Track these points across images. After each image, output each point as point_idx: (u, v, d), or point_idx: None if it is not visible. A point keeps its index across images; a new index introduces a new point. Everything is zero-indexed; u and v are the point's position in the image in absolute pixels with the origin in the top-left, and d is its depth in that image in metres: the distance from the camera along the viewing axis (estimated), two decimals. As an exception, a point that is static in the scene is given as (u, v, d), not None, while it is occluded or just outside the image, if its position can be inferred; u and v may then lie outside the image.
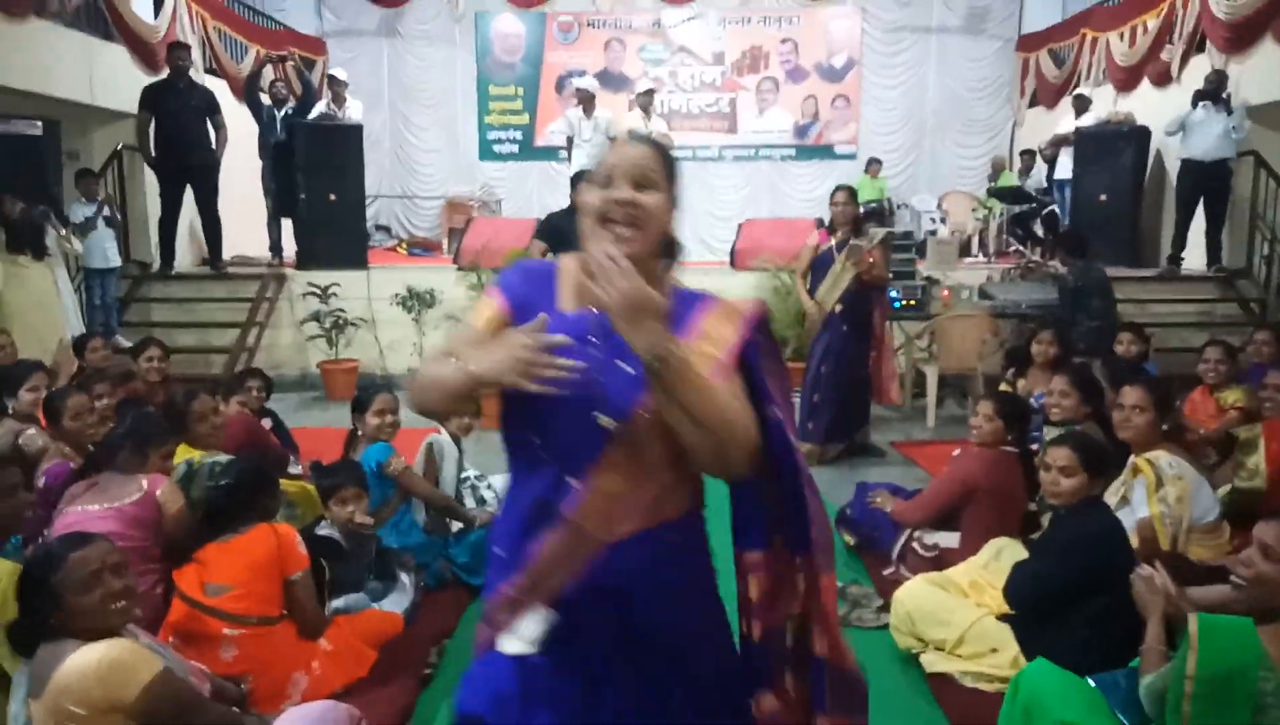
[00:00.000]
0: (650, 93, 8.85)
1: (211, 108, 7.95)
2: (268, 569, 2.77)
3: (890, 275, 5.95)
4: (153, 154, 7.85)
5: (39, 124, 6.88)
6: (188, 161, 7.84)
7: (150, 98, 7.77)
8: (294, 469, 4.69)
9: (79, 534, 2.25)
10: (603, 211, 1.44)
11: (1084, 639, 2.70)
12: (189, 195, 8.06)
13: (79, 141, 8.33)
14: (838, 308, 5.51)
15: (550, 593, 1.44)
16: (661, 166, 1.48)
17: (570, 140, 8.45)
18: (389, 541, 3.67)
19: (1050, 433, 3.88)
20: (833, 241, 5.57)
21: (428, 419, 3.57)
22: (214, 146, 7.96)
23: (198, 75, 8.65)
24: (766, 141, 12.66)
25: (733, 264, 8.60)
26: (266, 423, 4.86)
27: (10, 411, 4.00)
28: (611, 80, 12.39)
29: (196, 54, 8.89)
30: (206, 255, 8.47)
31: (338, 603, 3.21)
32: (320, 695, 2.73)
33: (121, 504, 2.97)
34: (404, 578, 3.47)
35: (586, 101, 8.38)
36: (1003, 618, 3.02)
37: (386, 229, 12.59)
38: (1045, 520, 3.45)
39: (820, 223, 5.70)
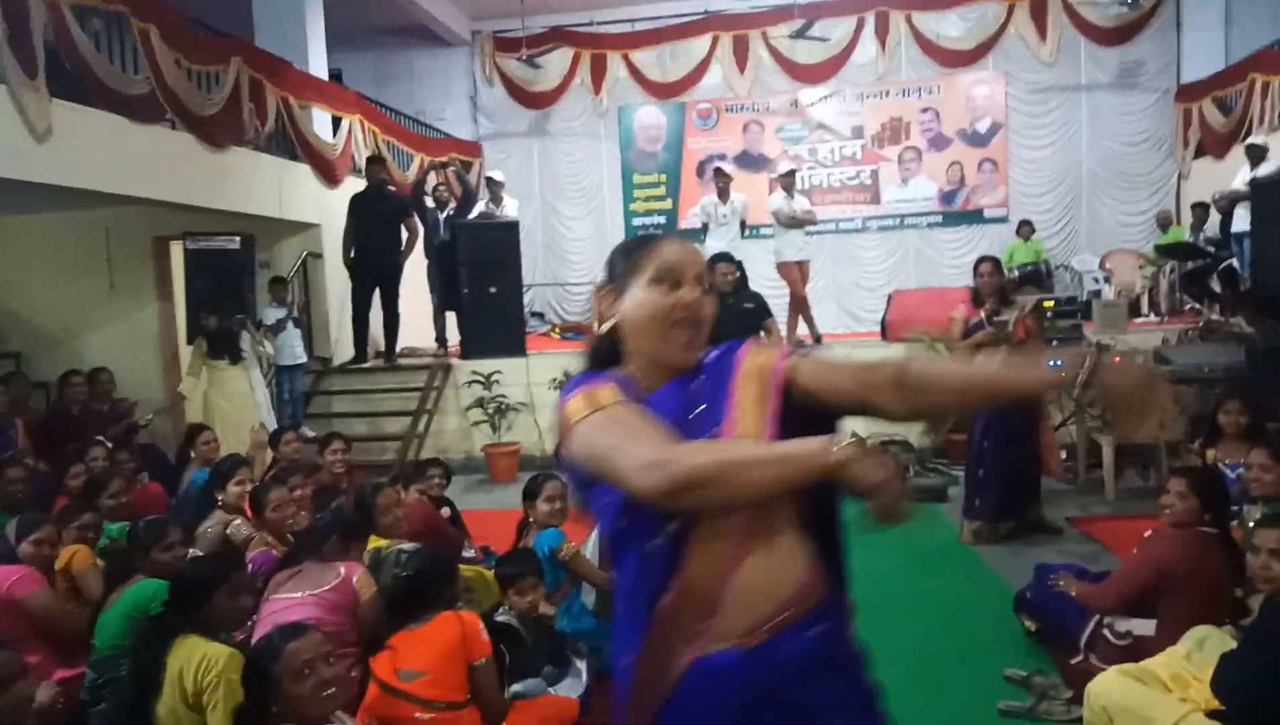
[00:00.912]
0: (792, 173, 8.99)
1: (405, 212, 8.69)
2: (455, 655, 2.90)
3: (1046, 343, 5.75)
4: (350, 256, 8.58)
5: (237, 239, 7.65)
6: (380, 263, 8.53)
7: (355, 206, 8.55)
8: (467, 553, 4.90)
9: (294, 625, 2.45)
10: (671, 317, 1.46)
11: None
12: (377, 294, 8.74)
13: (270, 252, 9.18)
14: None
15: (656, 695, 1.41)
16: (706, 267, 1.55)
17: (706, 226, 8.70)
18: (561, 626, 3.76)
19: (1251, 510, 3.62)
20: (981, 313, 5.45)
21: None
22: (403, 249, 8.64)
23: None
24: (911, 210, 12.52)
25: (884, 336, 8.48)
26: (445, 511, 5.10)
27: (220, 503, 4.39)
28: (751, 161, 12.63)
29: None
30: (381, 349, 9.08)
31: (516, 688, 3.31)
32: (504, 779, 2.81)
33: (322, 591, 3.19)
34: (578, 663, 3.54)
35: (722, 187, 8.62)
36: (1212, 714, 2.80)
37: (540, 315, 13.12)
38: (1254, 604, 3.19)
39: (972, 293, 5.59)
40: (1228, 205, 9.11)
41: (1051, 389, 1.44)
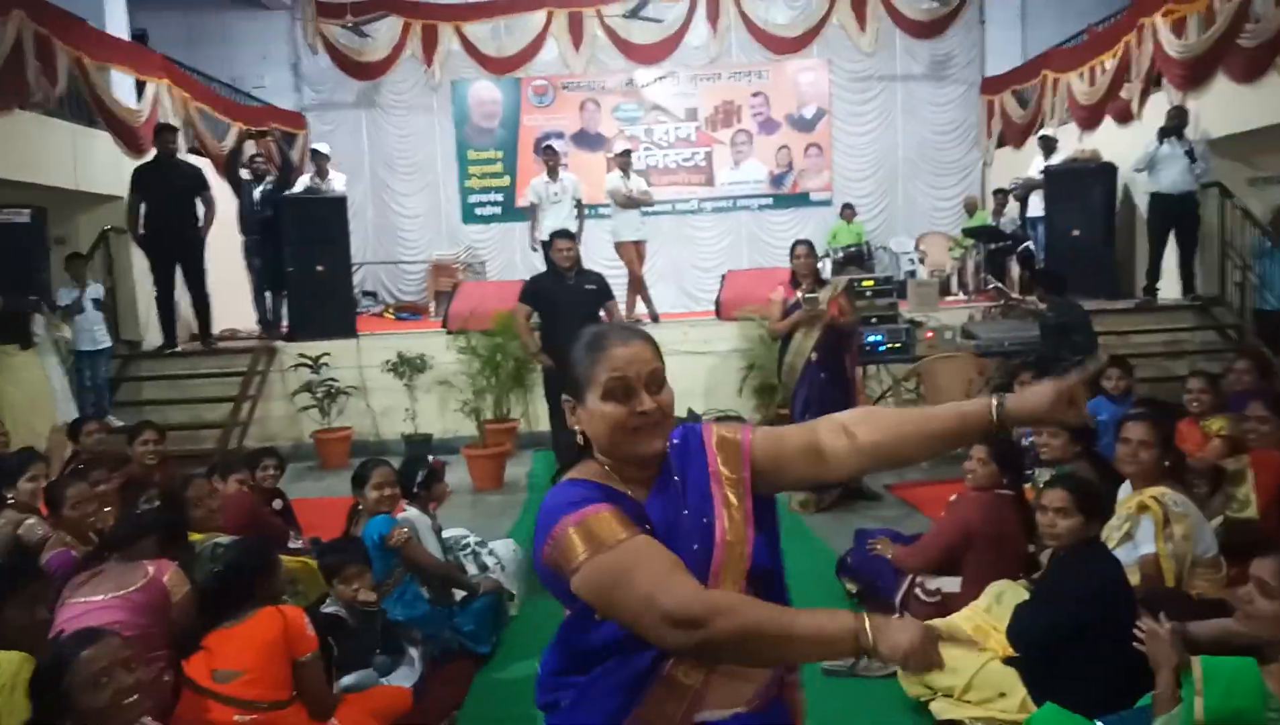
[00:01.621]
0: (628, 153, 9.07)
1: (199, 185, 8.05)
2: (277, 652, 2.77)
3: (858, 320, 6.07)
4: (140, 233, 7.93)
5: (26, 212, 6.93)
6: (176, 239, 7.91)
7: (139, 179, 7.86)
8: (295, 543, 4.68)
9: (88, 631, 2.26)
10: (629, 426, 1.46)
11: (1090, 680, 2.73)
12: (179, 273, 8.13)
13: (66, 227, 8.40)
14: (813, 357, 5.61)
15: None
16: (657, 351, 1.52)
17: (535, 206, 8.64)
18: (394, 614, 3.66)
19: (1041, 473, 3.95)
20: (799, 294, 5.70)
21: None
22: (201, 224, 8.04)
23: (181, 155, 8.78)
24: (744, 192, 12.90)
25: (718, 314, 8.70)
26: (278, 503, 4.85)
27: (10, 502, 4.00)
28: (588, 140, 12.64)
29: (180, 135, 9.03)
30: (196, 332, 8.50)
31: (347, 680, 3.20)
32: (334, 777, 2.72)
33: (127, 592, 2.95)
34: (411, 651, 3.46)
35: (551, 165, 8.59)
36: (1008, 661, 3.05)
37: (373, 295, 12.68)
38: (1044, 559, 3.49)
39: (790, 275, 5.84)
40: (1024, 192, 9.90)
41: (989, 425, 1.50)
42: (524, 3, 12.29)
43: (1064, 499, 2.91)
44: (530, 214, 8.85)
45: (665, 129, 12.82)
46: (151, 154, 8.10)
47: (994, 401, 1.46)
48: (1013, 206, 10.33)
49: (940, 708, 3.10)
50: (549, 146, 8.97)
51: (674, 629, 1.28)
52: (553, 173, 8.61)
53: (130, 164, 8.15)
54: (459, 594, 3.99)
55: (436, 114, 12.80)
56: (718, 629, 1.27)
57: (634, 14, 11.98)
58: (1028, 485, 3.98)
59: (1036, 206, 9.60)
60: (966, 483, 3.78)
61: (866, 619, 1.28)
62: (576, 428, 1.53)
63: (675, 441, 1.56)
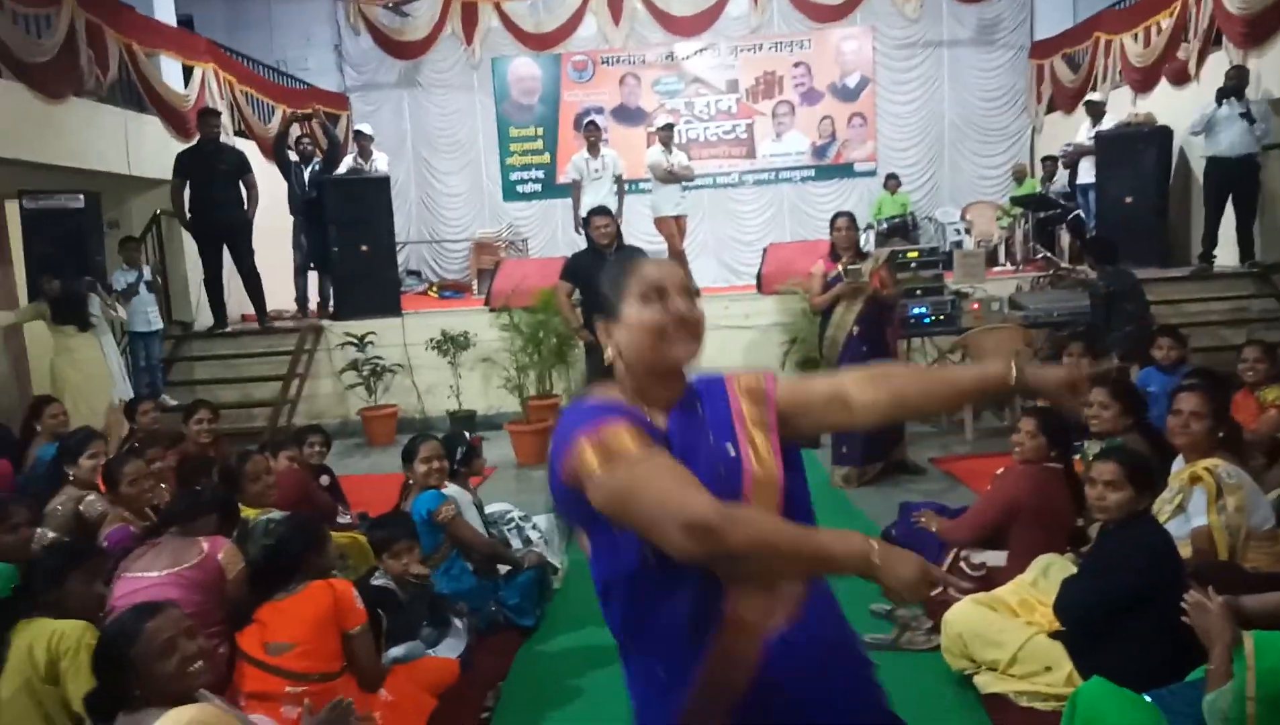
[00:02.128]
0: (669, 127, 8.99)
1: (242, 168, 8.17)
2: (327, 625, 2.84)
3: (900, 293, 5.98)
4: (187, 217, 8.09)
5: (80, 197, 7.11)
6: (221, 222, 8.05)
7: (183, 163, 8.01)
8: (343, 518, 4.79)
9: (148, 604, 2.33)
10: (664, 329, 1.47)
11: (1138, 653, 2.69)
12: (228, 255, 8.28)
13: (119, 211, 8.60)
14: (855, 331, 5.55)
15: (731, 699, 1.44)
16: (691, 279, 1.60)
17: (577, 183, 8.62)
18: (441, 587, 3.73)
19: (1091, 446, 3.88)
20: (839, 268, 5.62)
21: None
22: (245, 206, 8.17)
23: (228, 138, 8.92)
24: (786, 164, 12.74)
25: (759, 288, 8.64)
26: (325, 479, 4.95)
27: (70, 478, 4.13)
28: (628, 115, 12.56)
29: (226, 118, 9.16)
30: (248, 313, 8.67)
31: (395, 651, 3.27)
32: (384, 746, 2.79)
33: (182, 568, 3.04)
34: (457, 623, 3.53)
35: (592, 141, 8.56)
36: (1054, 635, 3.02)
37: (417, 273, 12.80)
38: (1093, 533, 3.44)
39: (830, 248, 5.76)
40: (1074, 159, 9.64)
41: (1006, 387, 1.57)
42: (563, -23, 12.25)
43: (1114, 472, 2.85)
44: (572, 191, 8.85)
45: (706, 102, 12.69)
46: (196, 138, 8.24)
47: (1014, 366, 1.54)
48: (1062, 174, 10.08)
49: (984, 681, 3.08)
50: (590, 122, 8.94)
51: (689, 536, 1.28)
52: (593, 149, 8.59)
53: (181, 149, 8.30)
54: (504, 568, 4.05)
55: (477, 92, 12.82)
56: (732, 538, 1.28)
57: (673, -15, 11.85)
58: (1076, 458, 3.91)
59: (1087, 173, 9.35)
60: (1014, 455, 3.73)
61: (876, 545, 1.33)
62: (608, 347, 1.55)
63: (696, 383, 1.57)
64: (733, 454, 1.47)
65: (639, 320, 1.48)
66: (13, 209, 7.41)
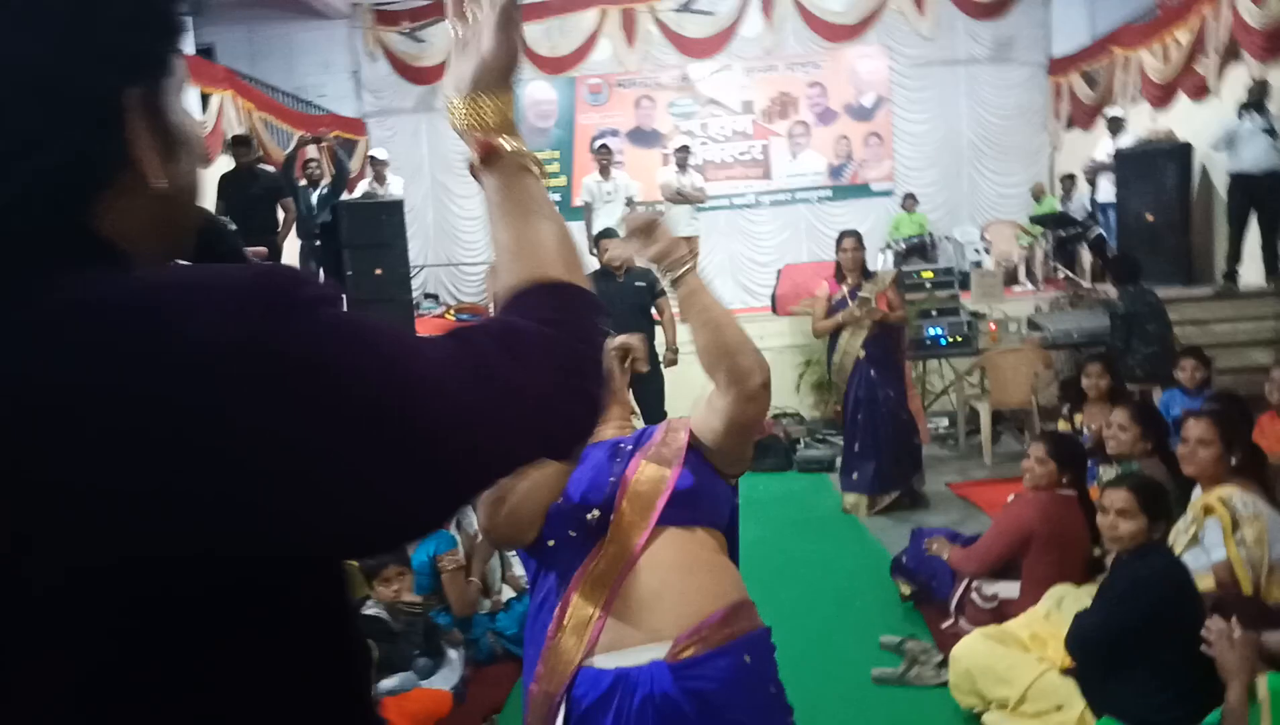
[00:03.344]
0: (685, 149, 8.98)
1: (278, 192, 8.23)
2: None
3: (904, 316, 5.84)
4: None
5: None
6: (256, 245, 8.11)
7: (223, 187, 8.11)
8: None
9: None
10: None
11: (1153, 691, 2.57)
12: None
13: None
14: (862, 354, 5.42)
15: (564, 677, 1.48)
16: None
17: (589, 206, 8.61)
18: (437, 617, 3.66)
19: (1106, 470, 3.76)
20: (844, 289, 5.50)
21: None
22: (279, 230, 8.23)
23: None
24: (802, 185, 12.67)
25: (774, 310, 8.57)
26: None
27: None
28: (644, 137, 12.56)
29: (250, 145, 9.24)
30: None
31: (387, 683, 3.20)
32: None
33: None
34: (451, 653, 3.45)
35: (604, 164, 8.55)
36: (1066, 672, 2.90)
37: (435, 297, 12.81)
38: (1109, 563, 3.31)
39: (835, 268, 5.66)
40: (1093, 176, 9.51)
41: None
42: (576, 1, 12.30)
43: (1126, 500, 2.75)
44: (584, 213, 8.83)
45: (721, 123, 12.67)
46: (231, 163, 8.33)
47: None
48: (1082, 192, 9.94)
49: (994, 719, 2.96)
50: (602, 145, 8.94)
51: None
52: (605, 171, 8.58)
53: (208, 174, 8.36)
54: (506, 595, 3.97)
55: (493, 116, 12.87)
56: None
57: (686, 7, 11.87)
58: (1094, 485, 3.78)
59: (1106, 191, 9.22)
60: (1024, 482, 3.62)
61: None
62: None
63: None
64: (620, 463, 1.63)
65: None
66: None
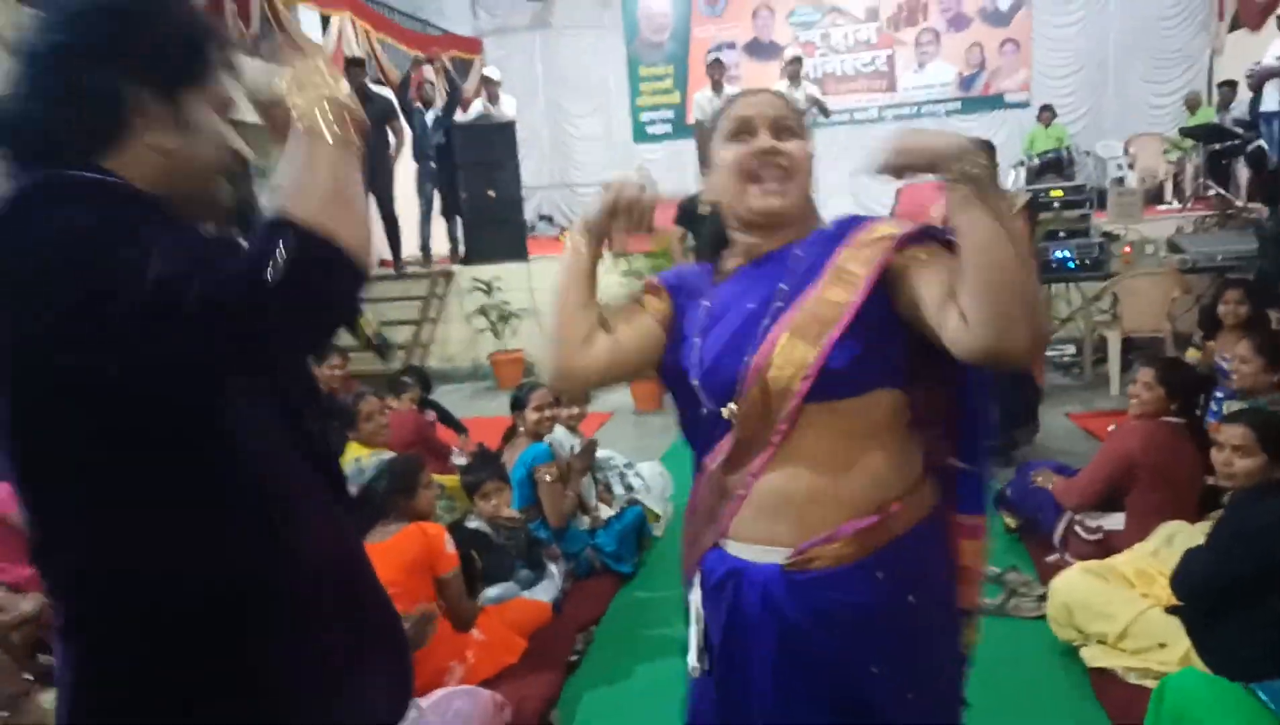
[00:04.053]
0: (798, 60, 8.64)
1: (389, 114, 8.41)
2: (419, 569, 2.94)
3: (1033, 247, 5.46)
4: None
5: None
6: (368, 168, 8.36)
7: None
8: (459, 460, 4.95)
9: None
10: (747, 167, 1.34)
11: (1264, 640, 2.45)
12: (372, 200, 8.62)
13: (267, 161, 9.06)
14: None
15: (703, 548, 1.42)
16: (795, 113, 1.39)
17: (700, 123, 8.42)
18: (539, 531, 3.81)
19: (1230, 405, 3.54)
20: None
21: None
22: (391, 152, 8.44)
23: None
24: (929, 97, 12.08)
25: (892, 230, 8.28)
26: (430, 415, 5.14)
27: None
28: (762, 49, 12.19)
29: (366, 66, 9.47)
30: (388, 258, 9.04)
31: (491, 592, 3.37)
32: (473, 683, 2.89)
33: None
34: (552, 567, 3.60)
35: (716, 79, 8.33)
36: (1172, 610, 2.79)
37: (549, 219, 12.98)
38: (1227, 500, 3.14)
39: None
40: (1258, 82, 8.64)
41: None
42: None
43: (1243, 435, 2.60)
44: (696, 132, 8.68)
45: (843, 32, 12.14)
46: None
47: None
48: (1243, 100, 9.08)
49: (1091, 654, 2.89)
50: (716, 60, 8.71)
51: None
52: (717, 87, 8.37)
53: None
54: (605, 513, 4.09)
55: (608, 30, 12.73)
56: None
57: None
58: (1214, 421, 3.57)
59: (1272, 99, 8.38)
60: (1130, 409, 3.44)
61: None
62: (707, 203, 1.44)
63: (832, 225, 1.37)
64: (758, 334, 1.29)
65: (722, 161, 1.37)
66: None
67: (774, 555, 1.30)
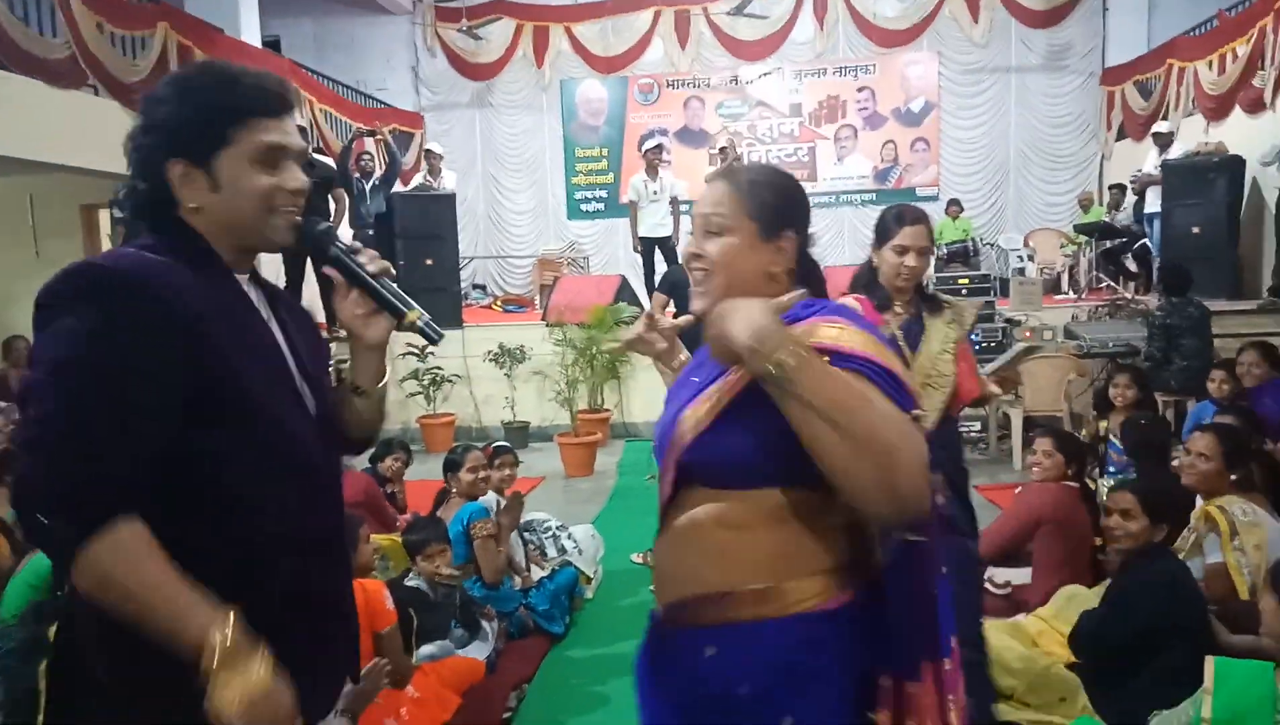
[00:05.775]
0: (724, 149, 9.11)
1: (331, 182, 8.52)
2: (360, 624, 2.99)
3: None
4: None
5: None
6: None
7: None
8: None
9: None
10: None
11: (1154, 692, 2.68)
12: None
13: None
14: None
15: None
16: (736, 202, 1.37)
17: (634, 204, 8.78)
18: (474, 591, 3.88)
19: (1106, 480, 3.88)
20: (889, 320, 3.00)
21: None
22: (330, 219, 8.51)
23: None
24: (847, 188, 12.76)
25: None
26: (390, 489, 5.12)
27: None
28: (692, 137, 12.74)
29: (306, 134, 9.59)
30: (323, 322, 9.01)
31: (426, 650, 3.42)
32: (409, 738, 2.93)
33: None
34: (486, 626, 3.67)
35: (651, 162, 8.72)
36: (1071, 666, 3.03)
37: (483, 287, 13.13)
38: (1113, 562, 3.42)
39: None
40: (1141, 188, 9.46)
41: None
42: (632, 2, 12.51)
43: (1130, 502, 2.88)
44: (630, 211, 9.02)
45: (769, 125, 12.80)
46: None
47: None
48: (1129, 202, 9.89)
49: (1000, 709, 3.09)
50: (658, 145, 9.09)
51: None
52: (652, 170, 8.75)
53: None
54: (536, 574, 4.18)
55: (546, 113, 13.15)
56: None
57: (739, 10, 12.01)
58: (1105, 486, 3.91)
59: (1153, 203, 9.17)
60: (1033, 475, 3.78)
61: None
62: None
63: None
64: (683, 411, 1.34)
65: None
66: (105, 217, 7.90)
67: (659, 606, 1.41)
